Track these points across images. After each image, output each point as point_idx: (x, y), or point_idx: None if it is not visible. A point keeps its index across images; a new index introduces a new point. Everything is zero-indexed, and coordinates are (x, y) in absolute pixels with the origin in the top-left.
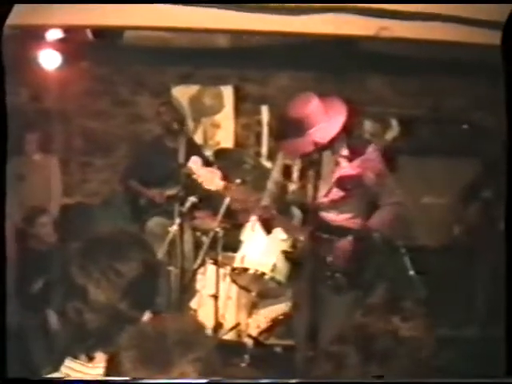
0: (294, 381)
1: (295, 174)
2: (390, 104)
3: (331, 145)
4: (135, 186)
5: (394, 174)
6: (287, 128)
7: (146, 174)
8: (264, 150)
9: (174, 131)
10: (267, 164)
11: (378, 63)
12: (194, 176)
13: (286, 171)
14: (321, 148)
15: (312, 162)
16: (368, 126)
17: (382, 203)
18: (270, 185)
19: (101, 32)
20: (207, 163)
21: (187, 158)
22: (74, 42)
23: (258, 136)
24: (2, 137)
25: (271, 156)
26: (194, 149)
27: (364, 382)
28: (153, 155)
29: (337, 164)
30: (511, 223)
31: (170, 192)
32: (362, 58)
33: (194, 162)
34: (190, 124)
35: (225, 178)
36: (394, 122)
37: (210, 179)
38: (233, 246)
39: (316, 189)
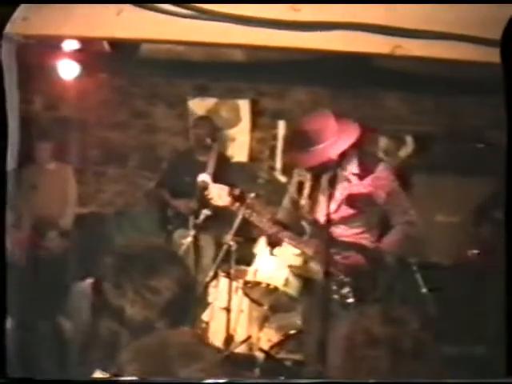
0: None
1: (306, 190)
2: (405, 121)
3: (341, 161)
4: (165, 196)
5: (408, 192)
6: (298, 140)
7: (174, 187)
8: (278, 164)
9: (204, 145)
10: (281, 178)
11: (393, 80)
12: (206, 192)
13: (300, 187)
14: (328, 163)
15: (322, 178)
16: (382, 142)
17: (395, 223)
18: (286, 201)
19: (117, 44)
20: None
21: (216, 172)
22: (90, 53)
23: (273, 150)
24: (2, 143)
25: (285, 170)
26: (223, 162)
27: (364, 382)
28: (182, 168)
29: (347, 181)
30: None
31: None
32: (378, 74)
33: (205, 178)
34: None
35: (236, 192)
36: (409, 139)
37: (219, 195)
38: (246, 259)
39: (325, 205)
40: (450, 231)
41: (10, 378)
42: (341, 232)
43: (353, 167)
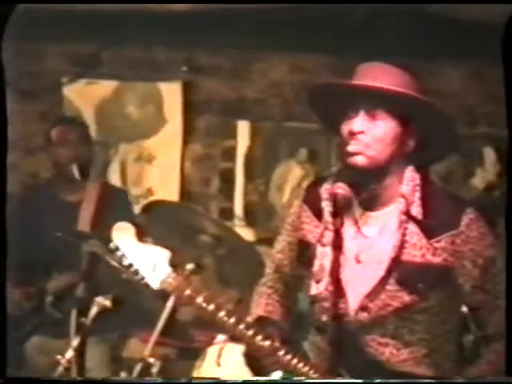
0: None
1: (318, 262)
2: (480, 116)
3: (392, 197)
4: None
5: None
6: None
7: (32, 251)
8: (238, 205)
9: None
10: (245, 233)
11: (462, 42)
12: (125, 262)
13: (303, 251)
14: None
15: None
16: None
17: (492, 330)
18: (267, 277)
19: None
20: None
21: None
22: None
23: (227, 178)
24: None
25: (251, 216)
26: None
27: (363, 382)
28: (50, 213)
29: (404, 239)
30: None
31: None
32: (434, 33)
33: (122, 230)
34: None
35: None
36: (489, 153)
37: (151, 266)
38: None
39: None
40: None
41: (9, 378)
42: (387, 354)
43: (413, 209)
